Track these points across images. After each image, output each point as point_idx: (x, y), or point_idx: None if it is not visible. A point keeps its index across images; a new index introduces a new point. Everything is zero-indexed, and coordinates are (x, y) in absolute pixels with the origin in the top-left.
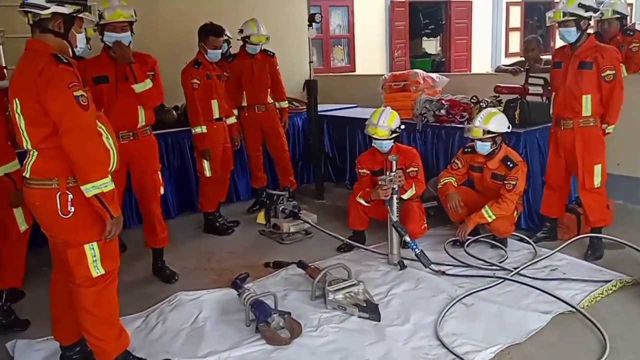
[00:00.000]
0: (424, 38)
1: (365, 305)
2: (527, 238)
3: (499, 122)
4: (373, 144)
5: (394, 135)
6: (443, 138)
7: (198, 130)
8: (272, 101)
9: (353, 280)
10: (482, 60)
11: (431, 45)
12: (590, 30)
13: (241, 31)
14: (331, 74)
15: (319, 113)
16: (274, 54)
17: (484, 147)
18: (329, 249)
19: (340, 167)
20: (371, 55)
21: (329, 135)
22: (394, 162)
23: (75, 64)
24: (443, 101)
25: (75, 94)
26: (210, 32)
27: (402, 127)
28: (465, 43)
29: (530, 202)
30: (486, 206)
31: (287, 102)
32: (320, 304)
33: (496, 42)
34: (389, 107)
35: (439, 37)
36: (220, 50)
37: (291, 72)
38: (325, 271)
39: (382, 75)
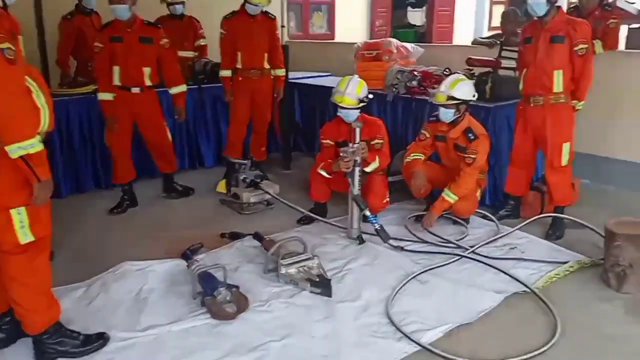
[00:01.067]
0: (409, 8)
1: (317, 280)
2: (489, 215)
3: (464, 89)
4: (339, 113)
5: (361, 104)
6: (413, 110)
7: (100, 96)
8: (268, 67)
9: (308, 254)
10: (465, 33)
11: (416, 16)
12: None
13: None
14: (308, 40)
15: (290, 80)
16: (275, 17)
17: (446, 114)
18: (290, 220)
19: (309, 137)
20: (352, 24)
21: (300, 104)
22: (358, 130)
23: (3, 15)
24: (415, 72)
25: (0, 46)
26: None
27: (370, 96)
28: (449, 15)
29: (496, 178)
30: (446, 189)
31: (284, 70)
32: (272, 277)
33: (479, 14)
34: (356, 76)
35: (424, 8)
36: (125, 6)
37: None
38: (279, 244)
39: (357, 42)
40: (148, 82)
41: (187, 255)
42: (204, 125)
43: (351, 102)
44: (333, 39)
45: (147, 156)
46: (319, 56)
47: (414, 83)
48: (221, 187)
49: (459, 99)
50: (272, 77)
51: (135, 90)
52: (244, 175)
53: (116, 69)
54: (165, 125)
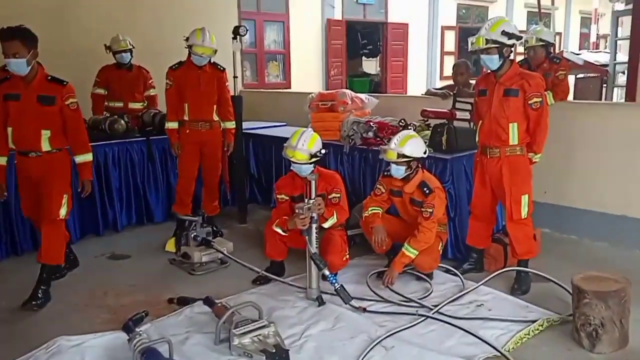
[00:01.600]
0: (364, 58)
1: (274, 351)
2: (453, 269)
3: (414, 146)
4: (292, 168)
5: (313, 159)
6: (370, 162)
7: None
8: (217, 119)
9: (263, 321)
10: (417, 82)
11: (371, 65)
12: (513, 57)
13: (187, 39)
14: (263, 89)
15: (244, 131)
16: (224, 68)
17: (398, 171)
18: (245, 281)
19: (266, 188)
20: (307, 73)
21: (255, 155)
22: (313, 183)
23: None
24: (371, 123)
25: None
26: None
27: (323, 151)
28: (402, 65)
29: (457, 231)
30: (405, 244)
31: (234, 123)
32: (224, 349)
33: (431, 65)
34: (310, 129)
35: (378, 58)
36: (22, 60)
37: None
38: (232, 310)
39: (311, 93)
40: (47, 147)
41: (129, 327)
42: (153, 179)
43: (303, 157)
44: (289, 88)
45: (93, 212)
46: (274, 106)
47: (370, 134)
48: (170, 246)
49: (408, 156)
50: (221, 129)
51: (32, 155)
52: (194, 233)
53: (10, 131)
54: (62, 193)
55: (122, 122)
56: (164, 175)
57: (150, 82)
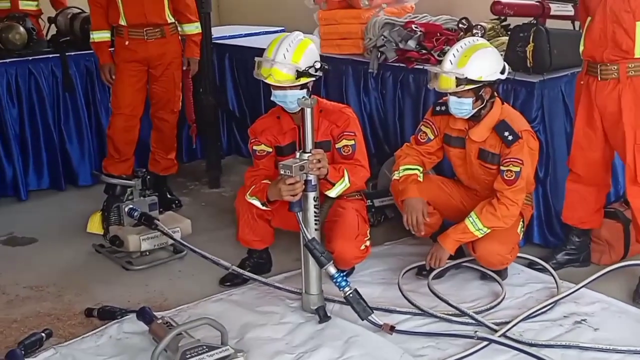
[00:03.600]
0: None
1: None
2: (540, 262)
3: (485, 62)
4: (273, 99)
5: (304, 80)
6: (412, 89)
7: None
8: (172, 21)
9: (227, 348)
10: None
11: None
12: None
13: None
14: None
15: (217, 41)
16: None
17: (460, 107)
18: (209, 281)
19: None
20: None
21: (235, 79)
22: (308, 115)
23: None
24: (413, 26)
25: None
26: None
27: (321, 65)
28: None
29: (549, 201)
30: (472, 213)
31: (198, 25)
32: None
33: None
34: (298, 33)
35: None
36: None
37: None
38: (178, 331)
39: None
40: None
41: (15, 356)
42: (74, 119)
43: (285, 76)
44: None
45: None
46: (266, 1)
47: (412, 44)
48: (94, 225)
49: (477, 81)
50: (179, 37)
51: None
52: (130, 205)
53: None
54: None
55: (22, 29)
56: (90, 113)
57: None
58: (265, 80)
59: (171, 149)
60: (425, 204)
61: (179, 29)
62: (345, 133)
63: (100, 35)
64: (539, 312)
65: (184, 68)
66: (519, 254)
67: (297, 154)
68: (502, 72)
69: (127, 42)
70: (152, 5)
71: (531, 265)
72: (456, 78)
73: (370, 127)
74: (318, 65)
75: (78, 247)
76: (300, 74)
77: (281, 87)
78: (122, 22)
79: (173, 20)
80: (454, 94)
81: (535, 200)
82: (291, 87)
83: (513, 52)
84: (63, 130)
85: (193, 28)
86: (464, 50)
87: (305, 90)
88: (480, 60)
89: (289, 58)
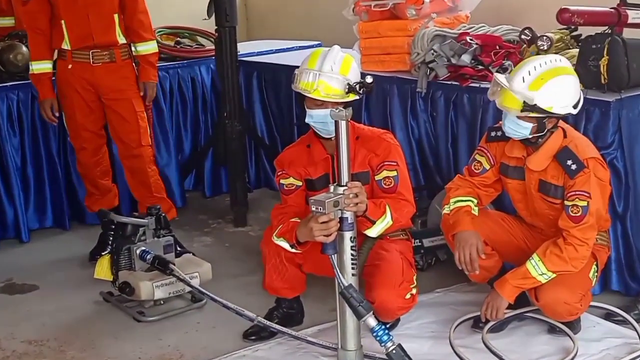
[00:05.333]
0: None
1: None
2: (620, 312)
3: (561, 93)
4: (308, 120)
5: (351, 97)
6: (466, 110)
7: None
8: (123, 42)
9: None
10: None
11: None
12: None
13: None
14: None
15: (241, 58)
16: None
17: (516, 129)
18: (231, 334)
19: None
20: None
21: (263, 102)
22: (343, 127)
23: None
24: (468, 38)
25: None
26: None
27: (372, 81)
28: None
29: (630, 239)
30: (535, 255)
31: (154, 44)
32: None
33: None
34: (338, 47)
35: None
36: None
37: None
38: None
39: None
40: None
41: None
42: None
43: (334, 90)
44: None
45: None
46: (303, 11)
47: (466, 59)
48: (102, 270)
49: (545, 111)
50: (133, 62)
51: None
52: (142, 247)
53: None
54: None
55: (24, 49)
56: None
57: None
58: (309, 95)
59: (157, 189)
60: (480, 238)
61: (133, 49)
62: (386, 163)
63: (40, 67)
64: None
65: (140, 94)
66: (593, 303)
67: (331, 188)
68: (575, 107)
69: (70, 66)
70: (100, 24)
71: (609, 316)
72: (524, 101)
73: (419, 155)
74: (369, 80)
75: (84, 295)
76: (350, 89)
77: (323, 105)
78: (66, 46)
79: (125, 42)
80: (516, 114)
81: (612, 239)
82: (335, 102)
83: (584, 67)
84: (69, 162)
85: (148, 47)
86: (542, 72)
87: (347, 107)
88: (558, 89)
89: (337, 70)
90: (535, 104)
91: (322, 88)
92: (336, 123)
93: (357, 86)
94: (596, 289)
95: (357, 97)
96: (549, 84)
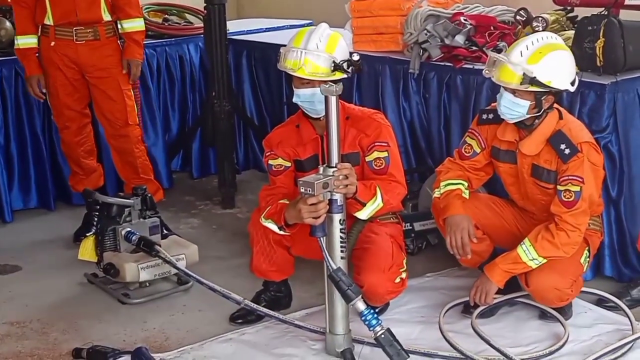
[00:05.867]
0: None
1: None
2: (612, 298)
3: (559, 67)
4: (296, 99)
5: (338, 75)
6: (460, 92)
7: None
8: (108, 19)
9: None
10: None
11: None
12: None
13: None
14: None
15: (231, 37)
16: None
17: (512, 109)
18: (218, 317)
19: None
20: None
21: (252, 81)
22: (333, 102)
23: None
24: (462, 18)
25: None
26: None
27: (359, 59)
28: None
29: (624, 224)
30: (526, 240)
31: (140, 22)
32: None
33: None
34: (325, 25)
35: None
36: None
37: None
38: None
39: None
40: None
41: None
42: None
43: (320, 68)
44: None
45: None
46: None
47: (460, 39)
48: (86, 251)
49: (544, 85)
50: (117, 40)
51: None
52: (127, 228)
53: None
54: None
55: (8, 24)
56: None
57: None
58: (294, 74)
59: (144, 170)
60: (472, 222)
61: (119, 26)
62: (376, 143)
63: (26, 41)
64: (609, 357)
65: (124, 72)
66: (584, 289)
67: (320, 169)
68: (573, 84)
69: (52, 43)
70: (85, 0)
71: (601, 302)
72: (523, 74)
73: (411, 137)
74: (356, 58)
75: (67, 276)
76: (336, 67)
77: (310, 84)
78: (48, 22)
79: (110, 19)
80: (512, 91)
81: (606, 224)
82: (321, 80)
83: (580, 49)
84: (54, 141)
85: (134, 25)
86: (540, 46)
87: (337, 84)
88: (556, 63)
89: (323, 47)
90: (535, 77)
91: (308, 66)
92: (326, 99)
93: (345, 64)
94: (588, 274)
95: (345, 76)
96: (547, 57)
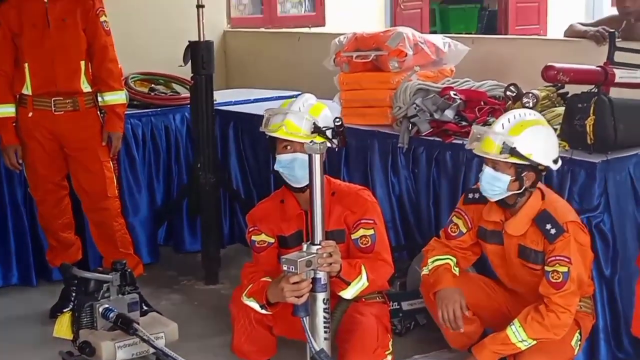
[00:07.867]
0: None
1: None
2: None
3: (540, 141)
4: (277, 167)
5: (318, 139)
6: (449, 167)
7: None
8: (88, 90)
9: None
10: (568, 15)
11: None
12: None
13: None
14: (273, 29)
15: (218, 107)
16: None
17: (493, 183)
18: None
19: None
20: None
21: (239, 153)
22: (316, 160)
23: None
24: (452, 93)
25: None
26: None
27: (342, 124)
28: None
29: (618, 306)
30: (516, 321)
31: (122, 94)
32: None
33: None
34: (310, 95)
35: None
36: None
37: (171, 30)
38: None
39: (341, 35)
40: None
41: None
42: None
43: (299, 129)
44: (322, 25)
45: None
46: (286, 60)
47: (449, 114)
48: (61, 328)
49: (524, 157)
50: (97, 110)
51: None
52: (104, 305)
53: None
54: None
55: None
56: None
57: None
58: (274, 134)
59: (124, 244)
60: (463, 295)
61: (99, 98)
62: (362, 221)
63: (3, 111)
64: None
65: (103, 144)
66: None
67: (304, 246)
68: (555, 162)
69: (30, 114)
70: (65, 70)
71: None
72: (503, 143)
73: (400, 213)
74: (339, 122)
75: (42, 354)
76: (316, 129)
77: (291, 148)
78: (26, 91)
79: (90, 90)
80: (492, 164)
81: (599, 306)
82: (301, 141)
83: (570, 126)
84: (35, 213)
85: (116, 97)
86: (521, 120)
87: (320, 147)
88: (536, 136)
89: (306, 110)
90: (515, 147)
91: (287, 126)
92: (310, 158)
93: (328, 131)
94: (580, 358)
95: (326, 143)
96: (529, 130)
